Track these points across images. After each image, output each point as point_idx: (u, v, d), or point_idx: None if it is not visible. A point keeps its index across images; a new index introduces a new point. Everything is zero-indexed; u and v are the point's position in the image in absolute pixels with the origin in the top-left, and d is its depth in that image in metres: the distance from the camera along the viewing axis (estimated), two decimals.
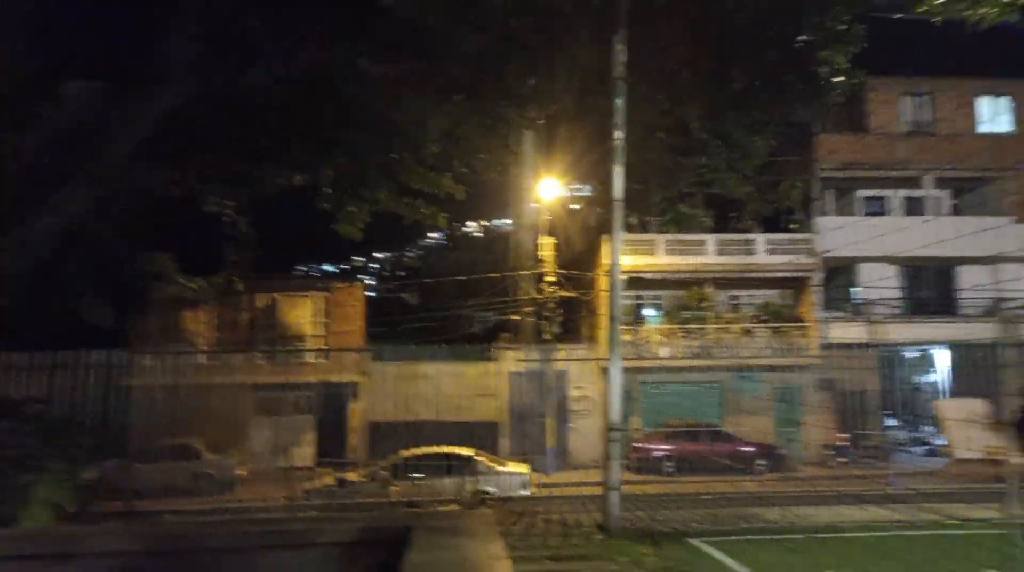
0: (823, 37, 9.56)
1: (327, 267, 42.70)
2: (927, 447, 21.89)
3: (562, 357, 20.77)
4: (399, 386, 21.08)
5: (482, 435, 20.06)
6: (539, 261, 22.62)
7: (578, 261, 23.73)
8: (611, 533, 9.06)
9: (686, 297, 23.87)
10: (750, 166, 15.25)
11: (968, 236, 22.71)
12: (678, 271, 23.16)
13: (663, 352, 22.55)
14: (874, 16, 10.80)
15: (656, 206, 13.74)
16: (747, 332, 22.89)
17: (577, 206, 27.97)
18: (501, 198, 28.39)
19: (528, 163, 20.80)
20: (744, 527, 9.64)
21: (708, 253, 23.37)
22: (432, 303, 35.21)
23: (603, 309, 17.86)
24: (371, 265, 50.23)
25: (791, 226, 23.99)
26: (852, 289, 24.25)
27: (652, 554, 7.73)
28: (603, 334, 17.17)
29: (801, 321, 23.18)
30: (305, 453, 20.68)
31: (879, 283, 23.72)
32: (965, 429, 17.73)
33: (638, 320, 24.09)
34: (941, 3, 7.46)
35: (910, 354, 24.60)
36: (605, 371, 10.05)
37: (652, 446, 19.73)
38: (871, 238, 22.67)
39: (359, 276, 42.30)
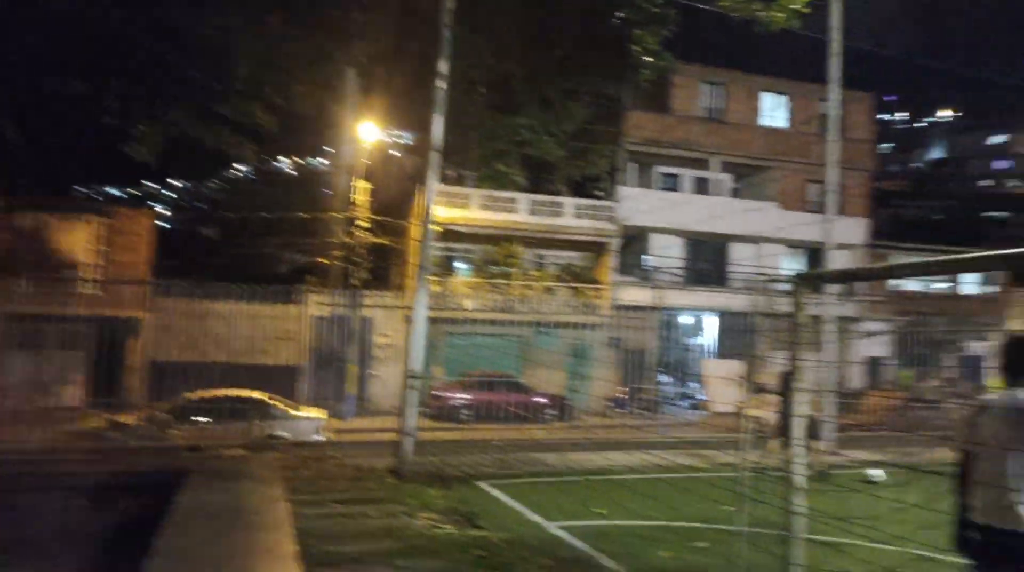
0: (640, 16, 10.12)
1: (113, 191, 38.27)
2: (692, 401, 24.60)
3: (368, 304, 20.56)
4: (188, 325, 19.68)
5: (280, 380, 19.40)
6: (352, 205, 22.03)
7: (392, 208, 23.44)
8: (403, 478, 9.28)
9: (495, 253, 24.57)
10: (565, 131, 15.90)
11: (741, 217, 25.55)
12: (490, 227, 23.72)
13: (469, 304, 23.12)
14: (683, 4, 11.60)
15: (473, 161, 13.91)
16: (549, 290, 24.11)
17: (396, 153, 27.49)
18: (318, 136, 27.11)
19: (349, 103, 20.00)
20: (527, 471, 10.31)
21: (519, 212, 24.16)
22: (235, 240, 33.04)
23: (414, 258, 17.85)
24: (166, 193, 45.83)
25: (597, 193, 25.44)
26: (643, 256, 26.35)
27: (441, 496, 8.03)
28: (412, 283, 17.21)
29: (598, 283, 24.84)
30: (73, 393, 18.76)
31: (666, 252, 26.03)
32: (723, 386, 20.19)
33: (448, 272, 24.44)
34: (739, 0, 8.17)
35: (685, 318, 27.38)
36: (411, 320, 10.13)
37: (451, 395, 20.33)
38: (664, 211, 24.76)
39: (150, 203, 38.48)
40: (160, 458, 7.89)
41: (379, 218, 22.02)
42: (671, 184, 27.46)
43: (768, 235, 26.24)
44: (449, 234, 23.21)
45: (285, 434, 12.77)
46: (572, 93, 14.81)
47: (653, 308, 25.05)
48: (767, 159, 27.60)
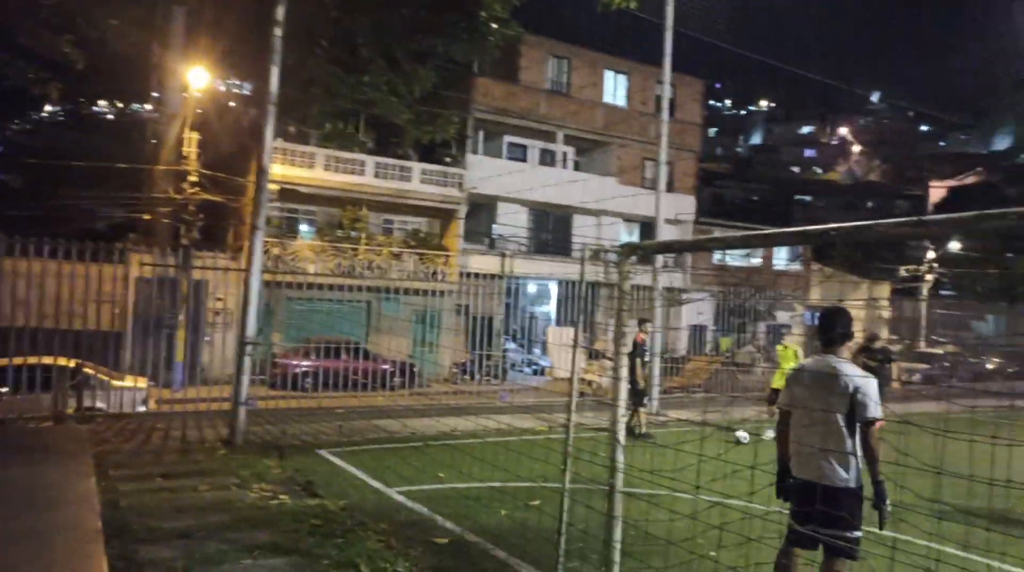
0: None
1: None
2: (536, 367, 25.50)
3: (200, 265, 19.27)
4: None
5: (99, 346, 17.75)
6: (183, 158, 20.41)
7: (229, 164, 21.98)
8: (236, 448, 8.89)
9: (341, 215, 23.86)
10: (413, 94, 15.61)
11: (583, 189, 26.57)
12: (335, 188, 22.96)
13: (312, 268, 22.34)
14: None
15: (314, 117, 13.34)
16: (396, 256, 23.83)
17: (232, 104, 25.75)
18: (143, 82, 24.73)
19: (176, 46, 18.37)
20: (369, 437, 10.25)
21: (366, 174, 23.55)
22: (44, 190, 29.57)
23: (250, 218, 16.89)
24: None
25: (445, 160, 25.33)
26: (491, 225, 26.71)
27: (277, 466, 7.80)
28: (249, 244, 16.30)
29: (445, 250, 24.89)
30: None
31: (512, 221, 26.54)
32: (564, 352, 21.08)
33: (290, 234, 23.43)
34: None
35: (531, 287, 28.19)
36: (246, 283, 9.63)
37: (292, 362, 19.64)
38: (511, 180, 25.16)
39: None
40: None
41: (212, 173, 20.59)
42: (518, 154, 27.93)
43: (608, 208, 27.51)
44: (292, 194, 22.20)
45: (102, 405, 11.76)
46: (421, 55, 14.54)
47: (500, 276, 25.54)
48: (608, 135, 28.78)
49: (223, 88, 25.30)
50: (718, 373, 23.04)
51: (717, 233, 30.60)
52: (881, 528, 3.81)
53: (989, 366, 28.39)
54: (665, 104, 15.46)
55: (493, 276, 25.28)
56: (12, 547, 3.31)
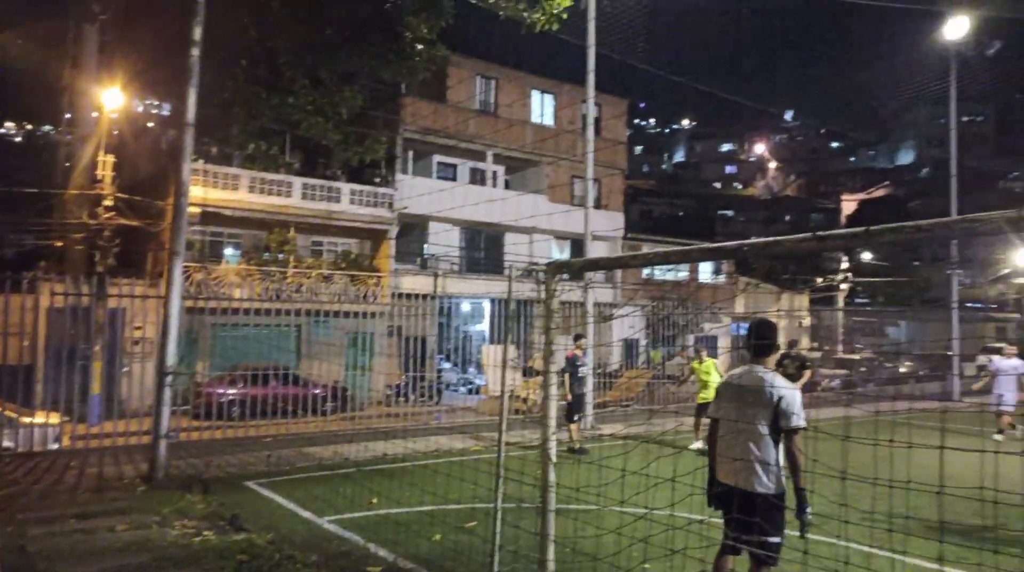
0: (413, 3, 10.14)
1: None
2: (471, 386, 25.39)
3: (116, 293, 18.44)
4: None
5: (7, 381, 16.71)
6: (97, 181, 19.54)
7: (147, 187, 21.18)
8: (157, 484, 8.50)
9: (267, 238, 23.30)
10: (340, 115, 15.48)
11: (514, 208, 26.78)
12: (261, 211, 22.42)
13: (238, 293, 21.68)
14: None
15: (236, 138, 13.05)
16: (326, 278, 23.40)
17: (150, 124, 24.90)
18: (53, 100, 23.63)
19: (89, 65, 17.68)
20: (300, 466, 9.97)
21: (293, 196, 23.09)
22: None
23: (169, 243, 16.29)
24: None
25: (375, 180, 25.13)
26: (423, 245, 26.59)
27: (201, 501, 7.49)
28: (168, 270, 15.71)
29: (376, 271, 24.60)
30: None
31: (444, 241, 26.50)
32: (499, 371, 21.08)
33: (213, 258, 22.71)
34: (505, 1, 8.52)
35: (464, 306, 28.15)
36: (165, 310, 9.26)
37: (219, 391, 18.95)
38: (442, 200, 25.15)
39: None
40: None
41: (129, 197, 19.79)
42: (448, 174, 27.98)
43: (539, 226, 27.80)
44: (215, 217, 21.56)
45: (10, 444, 11.06)
46: (347, 76, 14.46)
47: (432, 296, 25.40)
48: (537, 154, 29.17)
49: (140, 108, 24.46)
50: (650, 386, 23.47)
51: (645, 248, 31.32)
52: (802, 536, 3.93)
53: (902, 370, 29.89)
54: (590, 122, 15.78)
55: (426, 296, 25.13)
56: None
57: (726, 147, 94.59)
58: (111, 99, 19.16)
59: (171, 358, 8.86)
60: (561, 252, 29.20)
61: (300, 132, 13.67)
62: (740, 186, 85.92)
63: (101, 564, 5.34)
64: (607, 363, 27.22)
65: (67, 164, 22.75)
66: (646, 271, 32.26)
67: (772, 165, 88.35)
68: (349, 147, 19.05)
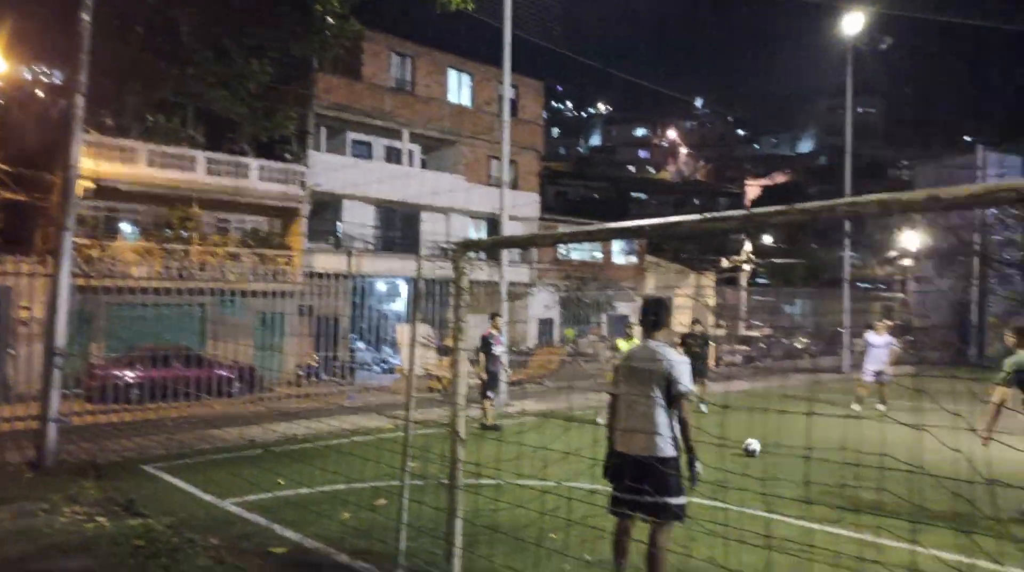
0: None
1: None
2: (386, 366, 25.15)
3: (1, 271, 17.25)
4: None
5: None
6: None
7: (35, 159, 19.74)
8: (46, 470, 8.07)
9: (170, 215, 22.23)
10: (246, 88, 14.89)
11: (431, 187, 26.59)
12: (161, 186, 21.33)
13: (137, 271, 20.64)
14: None
15: (133, 110, 12.37)
16: (233, 257, 22.58)
17: (39, 93, 23.21)
18: None
19: None
20: (202, 449, 9.67)
21: (197, 171, 22.08)
22: None
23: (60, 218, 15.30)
24: None
25: (285, 156, 24.35)
26: (336, 223, 26.03)
27: (93, 487, 7.16)
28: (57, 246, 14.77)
29: (287, 249, 23.92)
30: None
31: (359, 220, 26.04)
32: (416, 350, 20.96)
33: (109, 234, 21.50)
34: None
35: (380, 285, 27.79)
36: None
37: (116, 373, 18.04)
38: (356, 178, 24.66)
39: None
40: None
41: (14, 169, 18.41)
42: (363, 152, 27.41)
43: (455, 206, 27.72)
44: (111, 192, 20.37)
45: None
46: (256, 49, 13.90)
47: (346, 275, 24.96)
48: (454, 133, 28.96)
49: (28, 75, 22.74)
50: (564, 363, 23.93)
51: (561, 229, 31.77)
52: (692, 486, 4.19)
53: (798, 345, 31.64)
54: (506, 103, 15.82)
55: (339, 275, 24.66)
56: None
57: (640, 132, 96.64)
58: None
59: (60, 338, 8.38)
60: (477, 232, 29.21)
61: (202, 104, 13.05)
62: (653, 170, 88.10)
63: None
64: (522, 342, 27.56)
65: None
66: (561, 252, 32.72)
67: (683, 150, 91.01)
68: (257, 121, 18.32)
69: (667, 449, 4.21)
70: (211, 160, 22.29)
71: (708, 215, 3.16)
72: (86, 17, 8.34)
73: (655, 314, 4.49)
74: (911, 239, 33.43)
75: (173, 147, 21.45)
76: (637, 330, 11.98)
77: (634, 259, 36.24)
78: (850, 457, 3.41)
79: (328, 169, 24.39)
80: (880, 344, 13.39)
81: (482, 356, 11.31)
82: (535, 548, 5.02)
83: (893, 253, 37.52)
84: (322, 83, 24.67)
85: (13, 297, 19.32)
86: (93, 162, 18.85)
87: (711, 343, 13.66)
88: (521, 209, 28.40)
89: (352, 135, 27.07)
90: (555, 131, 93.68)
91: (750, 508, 5.58)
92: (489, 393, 11.36)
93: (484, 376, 11.24)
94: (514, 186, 29.07)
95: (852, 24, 24.38)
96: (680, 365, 4.27)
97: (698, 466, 4.17)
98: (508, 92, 15.59)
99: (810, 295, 38.43)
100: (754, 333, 31.90)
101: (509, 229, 15.37)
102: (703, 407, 12.21)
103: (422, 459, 6.94)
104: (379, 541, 5.34)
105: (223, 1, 9.50)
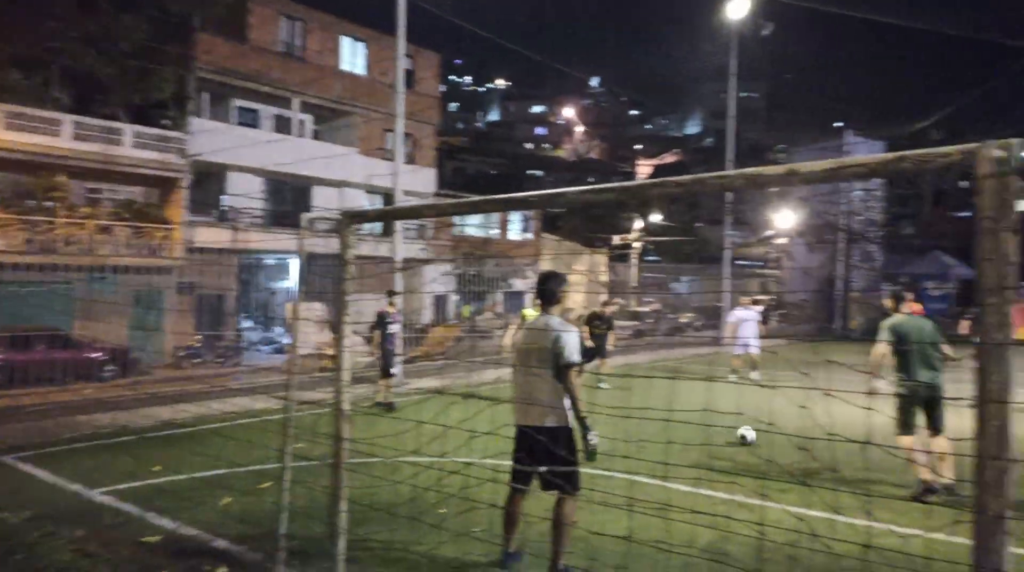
0: None
1: None
2: (275, 345, 24.32)
3: None
4: None
5: None
6: None
7: None
8: None
9: (31, 184, 20.39)
10: (118, 46, 13.77)
11: (323, 160, 25.72)
12: (20, 151, 19.50)
13: None
14: None
15: None
16: (105, 229, 21.04)
17: None
18: None
19: None
20: (69, 437, 9.01)
21: (63, 136, 20.32)
22: None
23: None
24: None
25: (163, 123, 22.82)
26: (221, 195, 24.74)
27: None
28: None
29: (166, 222, 22.54)
30: None
31: (246, 192, 24.86)
32: (306, 328, 20.34)
33: None
34: None
35: (269, 261, 26.72)
36: None
37: None
38: (242, 148, 23.47)
39: None
40: None
41: None
42: (249, 120, 26.10)
43: (349, 179, 26.96)
44: None
45: None
46: (128, 3, 12.84)
47: (232, 250, 23.83)
48: (348, 104, 28.07)
49: None
50: (460, 340, 23.97)
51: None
52: (590, 459, 4.26)
53: (683, 320, 33.13)
54: (400, 73, 15.44)
55: (225, 251, 23.52)
56: None
57: (537, 109, 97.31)
58: None
59: None
60: (372, 206, 28.58)
61: (68, 63, 11.95)
62: (550, 147, 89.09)
63: None
64: (417, 319, 27.34)
65: None
66: (456, 227, 32.60)
67: (578, 129, 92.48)
68: (130, 83, 17.03)
69: (557, 420, 4.27)
70: (79, 124, 20.55)
71: (589, 187, 3.20)
72: None
73: (550, 288, 4.54)
74: (786, 219, 35.55)
75: (34, 110, 19.62)
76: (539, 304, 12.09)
77: (530, 236, 36.63)
78: (729, 421, 3.58)
79: (211, 137, 23.07)
80: (749, 318, 14.28)
81: (377, 333, 11.09)
82: (423, 524, 4.99)
83: (770, 232, 39.76)
84: (204, 44, 23.20)
85: None
86: None
87: (614, 326, 14.06)
88: (418, 184, 28.00)
89: (238, 102, 25.71)
90: (453, 106, 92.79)
91: (638, 476, 5.78)
92: (386, 372, 11.14)
93: (379, 354, 11.01)
94: (410, 160, 28.61)
95: (736, 9, 25.37)
96: (568, 337, 4.31)
97: (592, 437, 4.24)
98: (402, 61, 15.23)
99: (695, 272, 40.25)
100: (644, 308, 33.09)
101: (405, 204, 15.12)
102: (603, 384, 12.54)
103: (311, 439, 6.76)
104: (261, 525, 5.16)
105: None
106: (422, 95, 30.46)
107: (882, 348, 6.36)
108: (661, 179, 3.18)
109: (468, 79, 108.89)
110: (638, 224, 36.46)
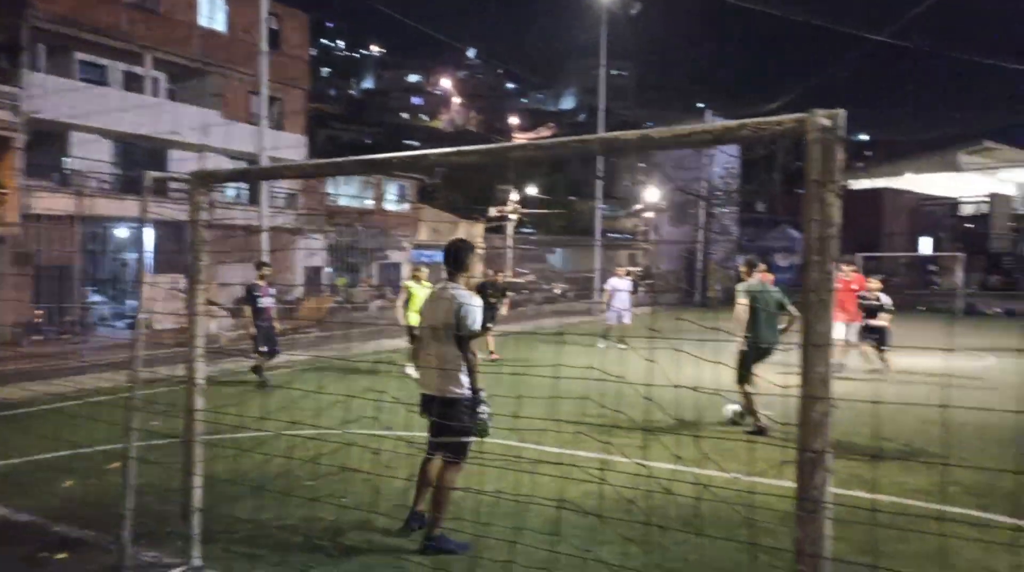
0: None
1: None
2: (130, 320, 22.66)
3: None
4: None
5: None
6: None
7: None
8: None
9: None
10: None
11: (181, 122, 24.03)
12: None
13: None
14: None
15: None
16: None
17: None
18: None
19: None
20: None
21: None
22: None
23: None
24: None
25: None
26: (64, 158, 22.59)
27: None
28: None
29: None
30: None
31: (93, 155, 22.82)
32: (164, 302, 19.08)
33: None
34: None
35: (121, 230, 24.75)
36: None
37: None
38: (87, 107, 21.47)
39: None
40: None
41: None
42: (95, 76, 23.86)
43: (210, 144, 25.35)
44: None
45: None
46: None
47: (77, 218, 21.85)
48: (207, 63, 26.29)
49: None
50: (334, 312, 23.37)
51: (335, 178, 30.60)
52: (480, 434, 4.32)
53: (556, 291, 34.03)
54: (263, 31, 14.64)
55: (70, 218, 21.53)
56: None
57: (413, 78, 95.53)
58: None
59: None
60: None
61: None
62: (426, 118, 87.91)
63: None
64: (289, 291, 26.37)
65: None
66: (330, 197, 31.59)
67: (455, 100, 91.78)
68: None
69: (456, 389, 4.29)
70: None
71: (453, 149, 3.18)
72: None
73: (455, 257, 4.52)
74: (652, 194, 37.16)
75: None
76: (425, 273, 11.81)
77: (406, 207, 36.13)
78: (600, 387, 3.70)
79: (51, 94, 20.89)
80: (622, 288, 14.84)
81: (247, 309, 10.44)
82: (288, 497, 4.87)
83: (638, 206, 41.44)
84: None
85: None
86: None
87: (507, 295, 13.99)
88: (286, 151, 26.77)
89: (81, 55, 23.42)
90: (326, 71, 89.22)
91: (511, 442, 5.90)
92: (261, 348, 10.53)
93: (252, 331, 10.39)
94: (279, 126, 27.33)
95: None
96: (469, 307, 4.31)
97: (483, 410, 4.28)
98: (265, 15, 14.43)
99: (568, 244, 41.33)
100: (519, 279, 33.64)
101: None
102: (493, 355, 12.56)
103: (169, 415, 6.38)
104: (103, 505, 4.83)
105: None
106: (290, 57, 29.04)
107: (743, 308, 7.10)
108: (522, 142, 3.23)
109: (341, 44, 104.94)
110: (514, 196, 36.85)
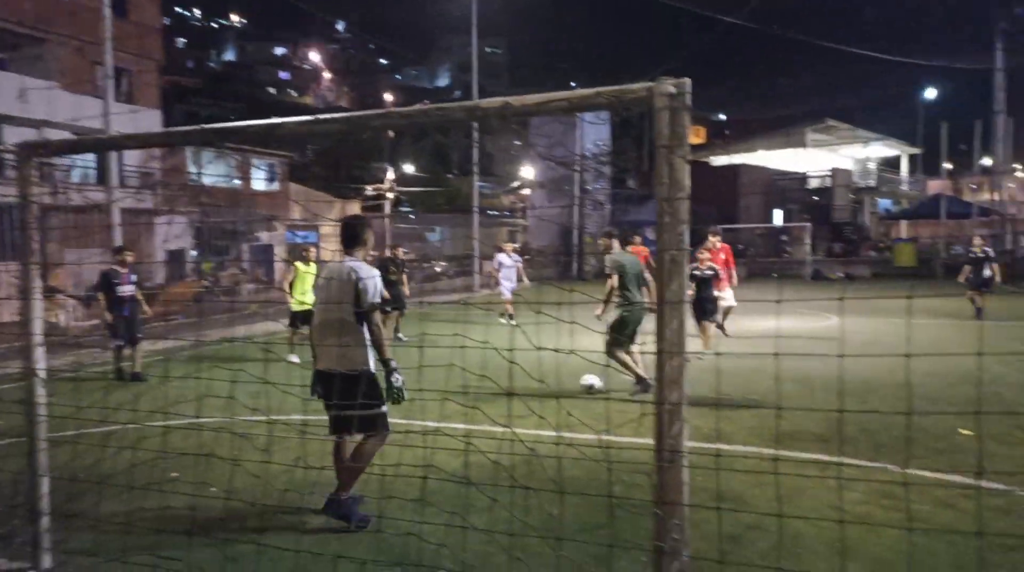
0: None
1: None
2: None
3: None
4: None
5: None
6: None
7: None
8: None
9: None
10: None
11: (16, 94, 21.82)
12: None
13: None
14: None
15: None
16: None
17: None
18: None
19: None
20: None
21: None
22: None
23: None
24: None
25: None
26: None
27: None
28: None
29: None
30: None
31: None
32: (5, 290, 17.34)
33: None
34: None
35: None
36: None
37: None
38: None
39: None
40: None
41: None
42: None
43: (50, 119, 23.13)
44: None
45: None
46: None
47: None
48: (44, 30, 23.89)
49: None
50: (201, 297, 22.15)
51: (188, 152, 28.78)
52: (396, 401, 4.27)
53: (437, 269, 33.92)
54: None
55: None
56: None
57: (280, 51, 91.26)
58: None
59: None
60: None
61: None
62: (296, 93, 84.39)
63: None
64: (149, 276, 24.71)
65: None
66: (192, 177, 29.76)
67: (326, 75, 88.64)
68: None
69: (363, 362, 4.26)
70: None
71: (311, 118, 3.10)
72: None
73: (352, 232, 4.49)
74: (528, 172, 37.68)
75: None
76: (314, 253, 11.36)
77: (276, 186, 34.68)
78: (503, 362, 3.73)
79: None
80: (510, 263, 14.97)
81: (102, 297, 9.58)
82: (148, 491, 4.61)
83: (516, 183, 41.92)
84: None
85: None
86: None
87: (406, 271, 13.60)
88: (138, 126, 24.87)
89: None
90: (181, 42, 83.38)
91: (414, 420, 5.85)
92: (118, 341, 9.72)
93: (110, 319, 9.56)
94: (129, 100, 25.35)
95: None
96: (369, 279, 4.28)
97: (396, 378, 4.22)
98: None
99: (447, 222, 41.21)
100: (398, 257, 33.13)
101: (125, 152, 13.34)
102: (401, 336, 12.23)
103: (13, 413, 5.84)
104: None
105: None
106: (140, 25, 26.93)
107: (614, 279, 7.69)
108: (385, 110, 3.17)
109: (197, 12, 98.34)
110: (390, 175, 36.24)
